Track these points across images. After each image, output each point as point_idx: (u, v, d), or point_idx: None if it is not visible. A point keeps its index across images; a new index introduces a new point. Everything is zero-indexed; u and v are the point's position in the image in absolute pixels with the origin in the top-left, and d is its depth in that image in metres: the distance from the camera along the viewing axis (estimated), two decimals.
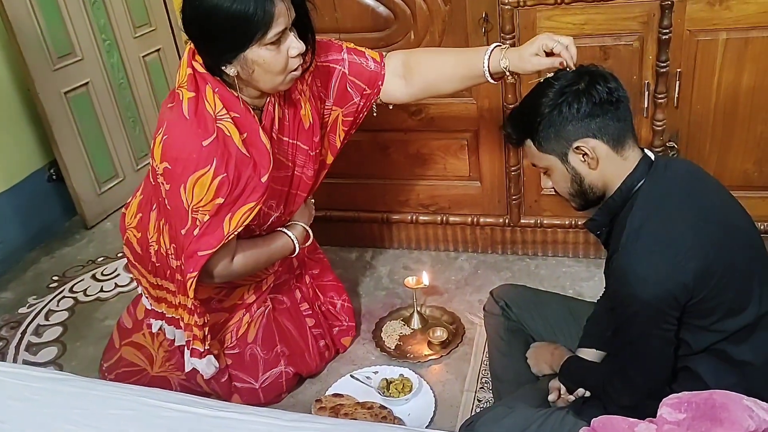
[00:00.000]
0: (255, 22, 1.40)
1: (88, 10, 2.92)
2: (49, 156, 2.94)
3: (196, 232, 1.56)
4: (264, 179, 1.57)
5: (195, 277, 1.60)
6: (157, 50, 3.34)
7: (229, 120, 1.53)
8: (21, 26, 2.63)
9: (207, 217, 1.54)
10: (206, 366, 1.76)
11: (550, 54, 1.45)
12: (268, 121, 1.63)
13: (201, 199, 1.53)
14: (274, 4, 1.41)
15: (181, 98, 1.53)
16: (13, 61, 2.75)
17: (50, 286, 2.64)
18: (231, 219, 1.57)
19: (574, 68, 1.40)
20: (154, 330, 1.88)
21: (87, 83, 2.95)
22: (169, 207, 1.59)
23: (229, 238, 1.58)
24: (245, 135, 1.55)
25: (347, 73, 1.74)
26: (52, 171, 2.96)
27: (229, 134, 1.53)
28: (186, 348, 1.77)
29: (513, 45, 1.99)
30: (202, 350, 1.74)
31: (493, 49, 1.57)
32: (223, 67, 1.50)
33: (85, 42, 2.93)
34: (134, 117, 3.24)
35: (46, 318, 2.45)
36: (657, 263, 1.21)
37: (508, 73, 1.55)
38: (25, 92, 2.81)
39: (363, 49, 1.77)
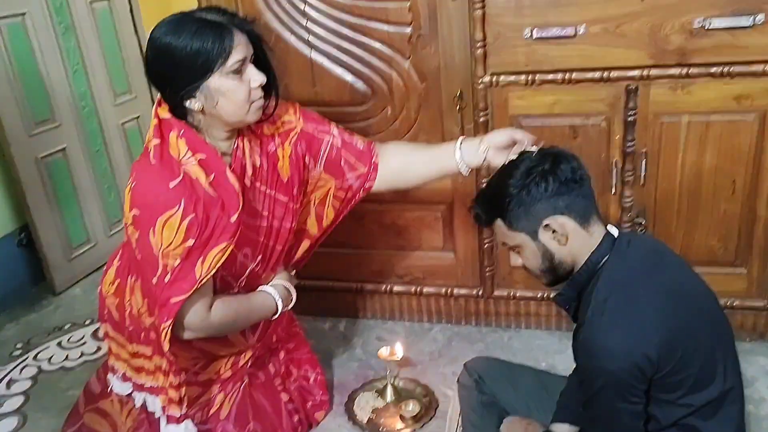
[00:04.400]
0: (215, 50, 1.47)
1: (69, 78, 2.97)
2: (20, 220, 2.92)
3: (167, 278, 1.52)
4: (233, 219, 1.56)
5: (169, 326, 1.55)
6: (136, 118, 3.37)
7: (194, 163, 1.54)
8: (1, 92, 2.65)
9: (178, 261, 1.52)
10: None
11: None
12: (237, 165, 1.65)
13: (171, 243, 1.51)
14: (233, 33, 1.49)
15: (149, 148, 1.56)
16: None
17: (14, 354, 2.56)
18: (203, 262, 1.54)
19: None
20: (137, 405, 1.80)
21: (63, 149, 2.96)
22: (139, 257, 1.56)
23: (203, 282, 1.55)
24: (212, 176, 1.56)
25: (339, 146, 1.80)
26: (22, 235, 2.93)
27: (195, 177, 1.54)
28: (161, 417, 1.71)
29: (486, 123, 2.07)
30: (179, 415, 1.68)
31: (460, 151, 1.70)
32: (187, 103, 1.53)
33: (64, 109, 2.95)
34: (110, 183, 3.24)
35: (8, 387, 2.36)
36: (621, 336, 1.24)
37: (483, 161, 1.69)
38: (0, 156, 2.80)
39: (351, 131, 1.85)
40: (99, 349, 2.51)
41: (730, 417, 1.34)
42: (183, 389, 1.67)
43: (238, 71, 1.51)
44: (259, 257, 1.76)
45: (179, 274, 1.53)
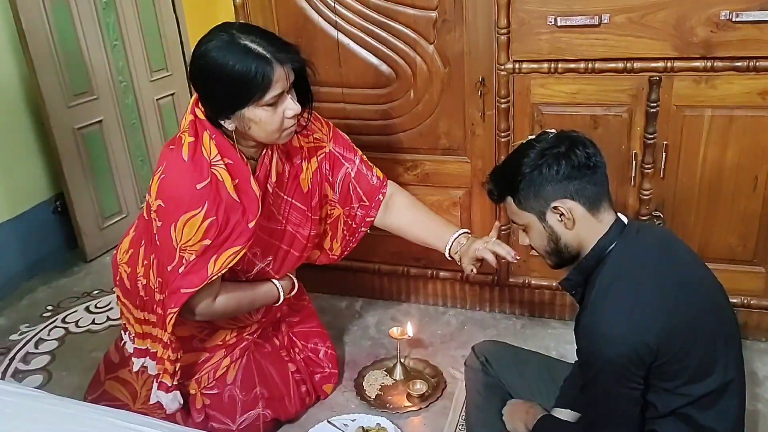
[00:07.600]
0: (254, 85, 1.50)
1: (108, 52, 3.06)
2: (56, 188, 3.03)
3: (181, 269, 1.61)
4: (251, 225, 1.64)
5: (175, 312, 1.65)
6: (171, 94, 3.46)
7: (222, 166, 1.60)
8: (42, 63, 2.75)
9: (193, 256, 1.60)
10: (171, 401, 1.77)
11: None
12: (262, 172, 1.72)
13: (189, 239, 1.59)
14: (274, 69, 1.50)
15: (182, 142, 1.61)
16: (31, 95, 2.86)
17: (44, 315, 2.67)
18: (216, 261, 1.62)
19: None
20: (135, 369, 1.89)
21: (100, 121, 3.06)
22: (158, 243, 1.64)
23: (212, 279, 1.63)
24: (237, 181, 1.62)
25: (353, 176, 1.89)
26: (58, 203, 3.04)
27: (221, 180, 1.60)
28: (155, 381, 1.79)
29: (507, 110, 2.08)
30: (170, 385, 1.76)
31: (457, 236, 1.82)
32: (221, 121, 1.59)
33: (102, 82, 3.05)
34: (143, 156, 3.33)
35: (36, 346, 2.47)
36: (621, 321, 1.25)
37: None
38: (39, 126, 2.91)
39: (372, 165, 1.93)
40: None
41: (729, 410, 1.34)
42: (178, 365, 1.76)
43: (274, 104, 1.55)
44: (270, 258, 1.83)
45: (193, 268, 1.61)
